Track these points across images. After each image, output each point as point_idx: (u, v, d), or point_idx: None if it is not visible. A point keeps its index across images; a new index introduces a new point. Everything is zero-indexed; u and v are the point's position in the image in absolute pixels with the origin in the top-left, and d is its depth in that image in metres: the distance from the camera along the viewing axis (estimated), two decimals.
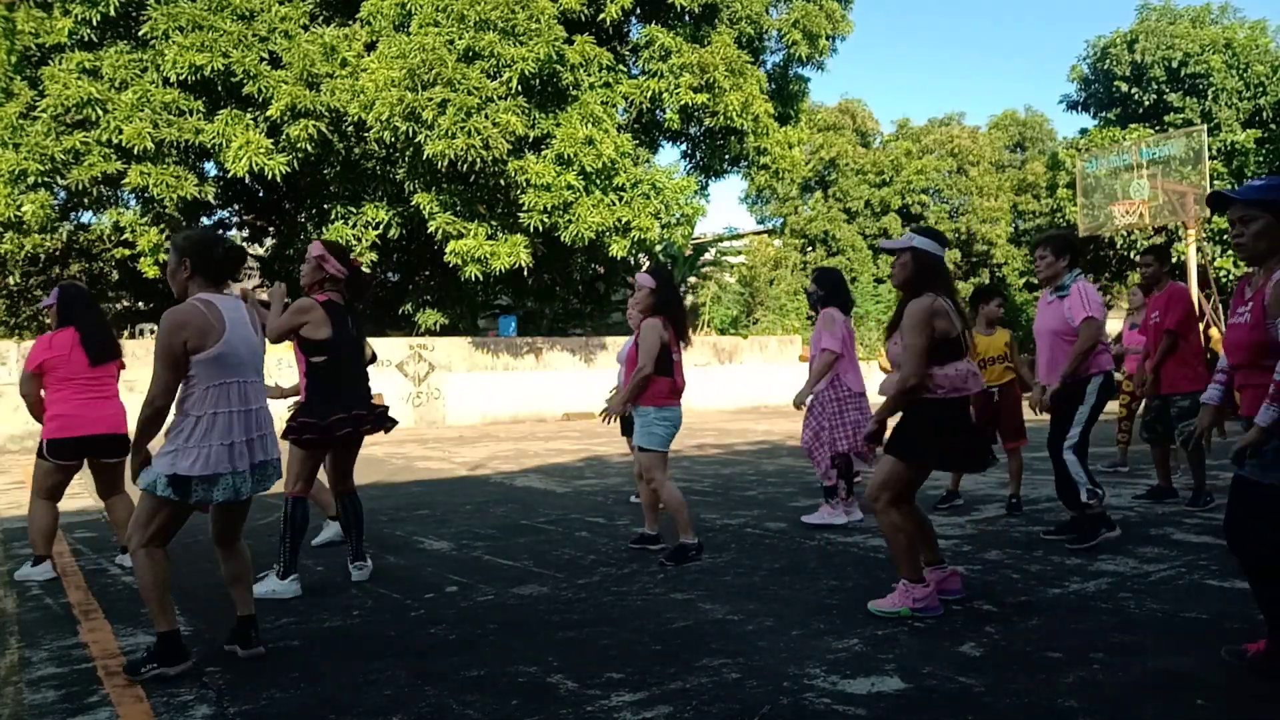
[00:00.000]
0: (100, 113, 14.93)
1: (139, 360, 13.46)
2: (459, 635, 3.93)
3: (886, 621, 3.85)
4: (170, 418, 3.45)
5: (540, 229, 16.51)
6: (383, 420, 4.94)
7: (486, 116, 15.24)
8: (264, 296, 5.13)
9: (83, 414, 5.18)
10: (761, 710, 2.96)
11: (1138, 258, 8.81)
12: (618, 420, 5.57)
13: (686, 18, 18.37)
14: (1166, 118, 25.08)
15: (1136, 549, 5.15)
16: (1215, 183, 22.84)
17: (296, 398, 5.11)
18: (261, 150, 15.26)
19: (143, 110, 15.00)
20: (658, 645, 3.68)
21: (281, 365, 15.42)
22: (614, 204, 16.49)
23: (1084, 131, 27.06)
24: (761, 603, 4.27)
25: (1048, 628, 3.73)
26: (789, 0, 19.71)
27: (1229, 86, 24.53)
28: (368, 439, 5.36)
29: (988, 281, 30.24)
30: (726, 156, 20.18)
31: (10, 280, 20.55)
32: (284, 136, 15.63)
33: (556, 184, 15.85)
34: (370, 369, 5.27)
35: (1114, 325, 14.71)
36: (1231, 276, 23.58)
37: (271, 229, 21.54)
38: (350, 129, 16.42)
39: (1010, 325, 7.24)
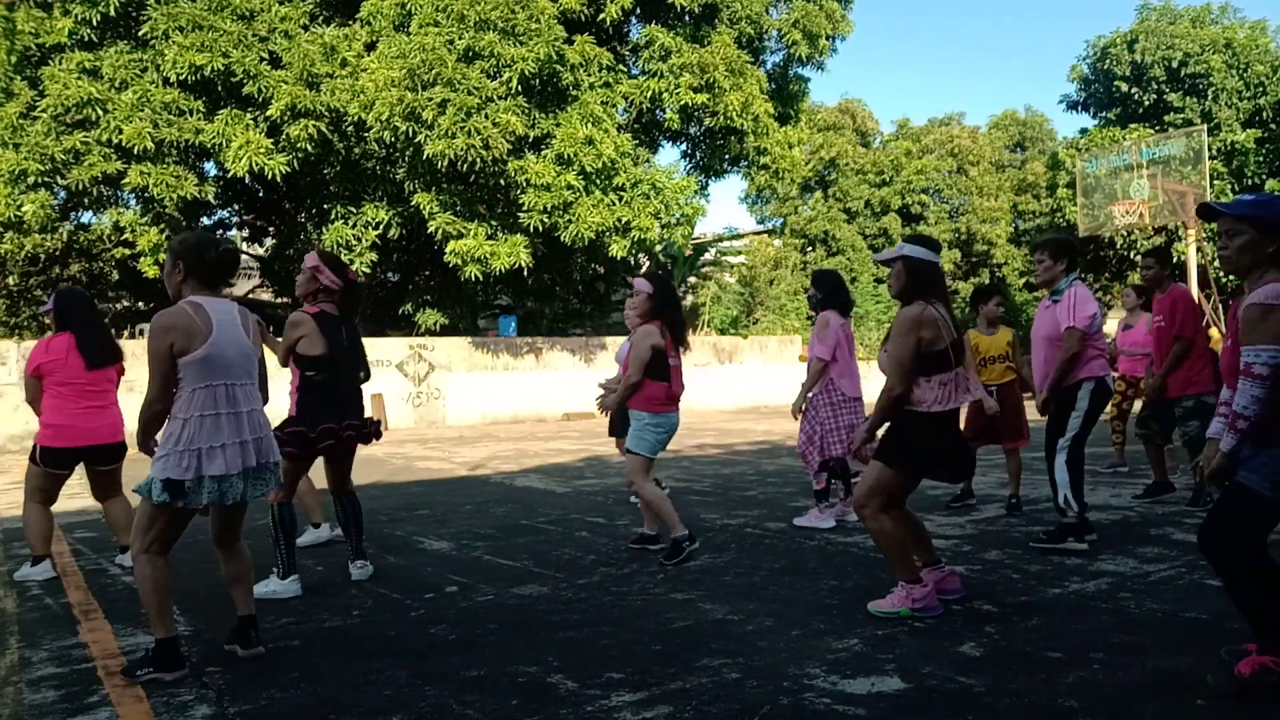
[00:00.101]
0: (100, 113, 14.93)
1: (139, 360, 13.41)
2: (459, 635, 3.93)
3: (886, 621, 3.85)
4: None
5: (540, 229, 16.51)
6: (368, 436, 4.95)
7: (486, 116, 15.24)
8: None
9: (78, 425, 5.18)
10: (761, 710, 2.96)
11: (1139, 259, 8.82)
12: (608, 421, 5.60)
13: (686, 18, 18.36)
14: (1166, 118, 25.08)
15: (1136, 549, 5.15)
16: (1215, 183, 22.85)
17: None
18: (261, 150, 15.26)
19: (143, 110, 15.00)
20: (658, 645, 3.68)
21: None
22: (614, 204, 16.49)
23: (1084, 131, 27.06)
24: (761, 603, 4.27)
25: (1048, 628, 3.73)
26: (789, 0, 19.71)
27: (1229, 86, 24.53)
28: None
29: (988, 281, 30.25)
30: (726, 156, 20.18)
31: (10, 280, 20.55)
32: (284, 136, 15.63)
33: (556, 184, 15.85)
34: (370, 369, 5.27)
35: (1112, 326, 14.69)
36: (1231, 276, 23.57)
37: (271, 229, 21.53)
38: (350, 129, 16.42)
39: (1010, 325, 7.23)
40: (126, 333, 18.95)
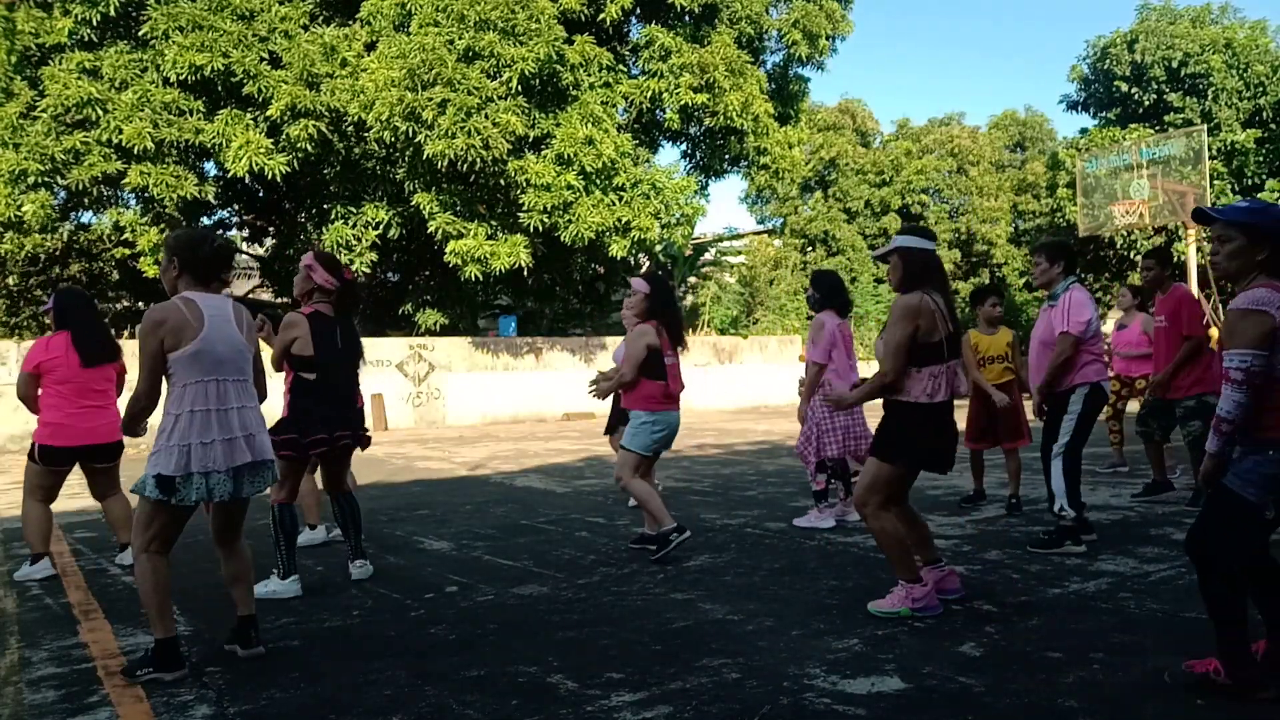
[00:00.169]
0: (100, 113, 14.94)
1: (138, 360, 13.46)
2: (459, 635, 3.93)
3: (886, 621, 3.85)
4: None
5: (540, 229, 16.51)
6: (360, 440, 4.95)
7: (486, 116, 15.24)
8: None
9: (76, 424, 5.19)
10: (761, 710, 2.96)
11: (1139, 260, 8.83)
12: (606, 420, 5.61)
13: (686, 18, 18.37)
14: (1166, 118, 25.09)
15: (1136, 549, 5.15)
16: (1215, 183, 22.87)
17: None
18: (261, 150, 15.26)
19: (143, 110, 15.01)
20: (658, 645, 3.68)
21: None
22: (614, 204, 16.49)
23: (1084, 131, 27.07)
24: (761, 603, 4.27)
25: (1048, 628, 3.73)
26: (789, 0, 19.71)
27: (1229, 86, 24.53)
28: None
29: (988, 281, 30.27)
30: (726, 156, 20.19)
31: (10, 280, 20.55)
32: (284, 136, 15.63)
33: (556, 184, 15.86)
34: (370, 369, 5.27)
35: (1109, 326, 14.69)
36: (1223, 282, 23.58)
37: (271, 229, 21.53)
38: (350, 129, 16.42)
39: (1010, 326, 7.24)
40: (126, 333, 18.95)
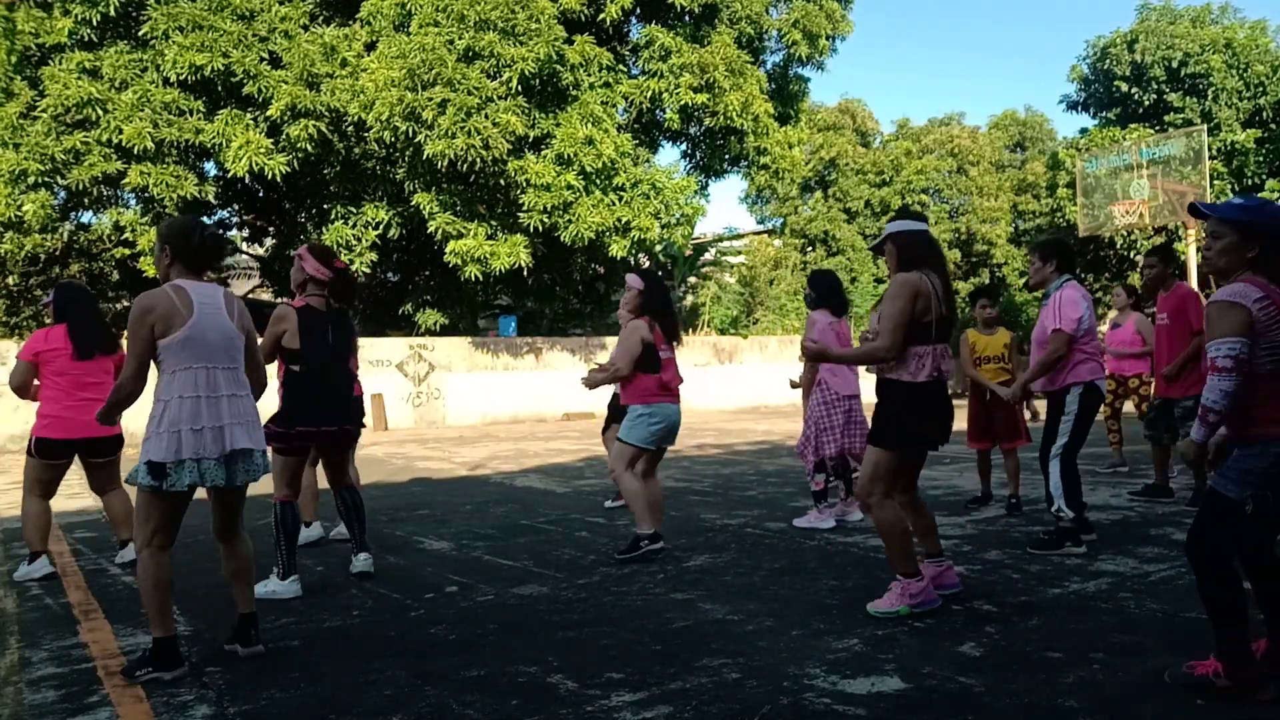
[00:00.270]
0: (100, 113, 14.94)
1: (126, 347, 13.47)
2: (459, 635, 3.93)
3: (886, 621, 3.85)
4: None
5: (540, 229, 16.51)
6: (348, 432, 4.94)
7: (486, 116, 15.24)
8: None
9: (73, 416, 5.18)
10: (761, 710, 2.96)
11: (1141, 259, 8.86)
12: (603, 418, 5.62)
13: (686, 18, 18.37)
14: (1166, 118, 25.09)
15: (1136, 549, 5.15)
16: (1215, 183, 22.87)
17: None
18: (261, 150, 15.26)
19: (143, 110, 15.01)
20: (658, 645, 3.68)
21: None
22: (614, 204, 16.49)
23: (1084, 131, 27.06)
24: (761, 603, 4.27)
25: (1048, 628, 3.73)
26: (789, 0, 19.71)
27: (1229, 86, 24.53)
28: (366, 439, 5.36)
29: (987, 281, 30.28)
30: (726, 156, 20.19)
31: (10, 280, 20.55)
32: (284, 136, 15.63)
33: (556, 184, 15.86)
34: (370, 369, 5.27)
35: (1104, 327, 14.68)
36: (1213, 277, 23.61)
37: (271, 229, 21.54)
38: (350, 129, 16.42)
39: (1010, 326, 7.26)
40: (127, 332, 18.94)
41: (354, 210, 17.49)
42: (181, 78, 15.20)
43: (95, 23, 15.52)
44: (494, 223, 17.10)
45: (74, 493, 8.76)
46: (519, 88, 15.73)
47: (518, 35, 15.70)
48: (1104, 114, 27.08)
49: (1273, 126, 24.72)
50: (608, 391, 7.15)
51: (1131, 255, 24.56)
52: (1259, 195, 23.27)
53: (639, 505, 5.27)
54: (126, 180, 15.21)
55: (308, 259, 4.79)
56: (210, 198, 17.20)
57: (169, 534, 3.48)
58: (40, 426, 5.21)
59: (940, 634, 3.69)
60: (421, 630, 4.02)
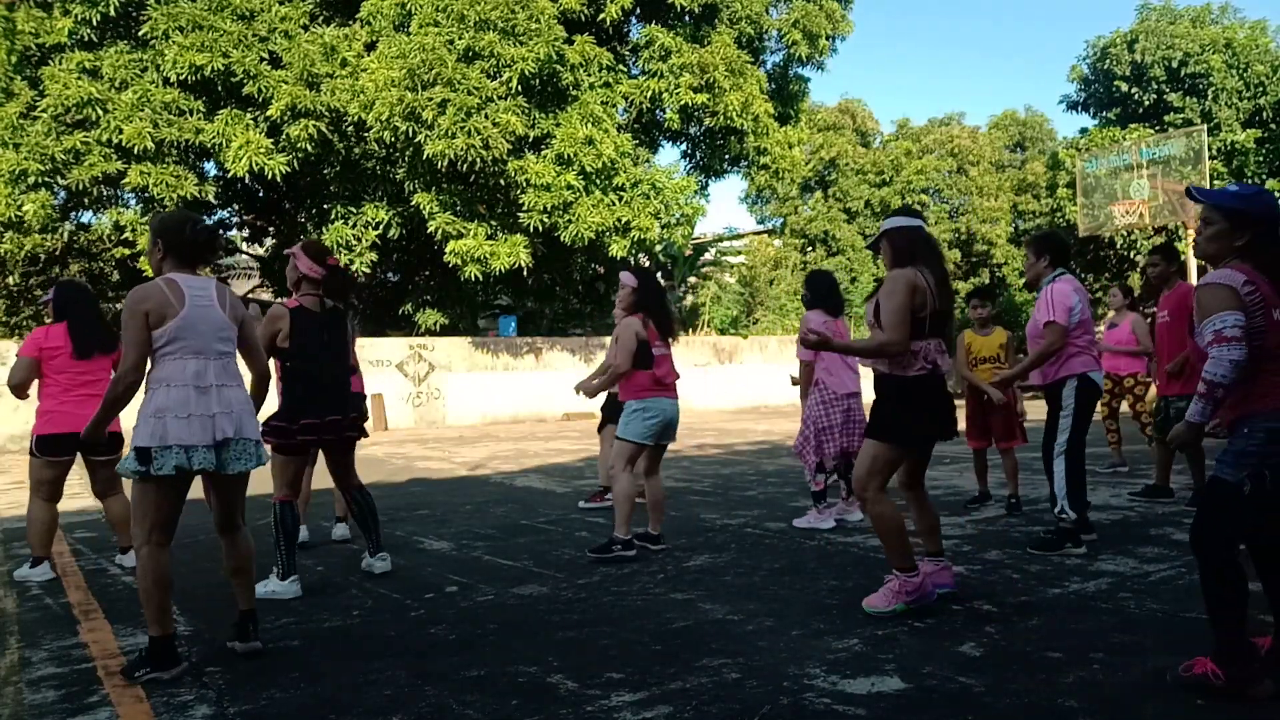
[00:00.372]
0: (100, 113, 14.94)
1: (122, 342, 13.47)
2: (459, 635, 3.93)
3: (886, 621, 3.85)
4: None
5: (540, 229, 16.51)
6: (353, 429, 4.93)
7: (486, 116, 15.24)
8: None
9: (73, 411, 5.17)
10: (761, 710, 2.96)
11: (1144, 258, 8.90)
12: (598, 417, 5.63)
13: (686, 18, 18.37)
14: (1166, 118, 25.08)
15: (1136, 549, 5.15)
16: (1215, 183, 22.84)
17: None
18: (261, 150, 15.26)
19: (143, 110, 15.01)
20: (658, 645, 3.68)
21: None
22: (614, 204, 16.49)
23: (1084, 131, 27.06)
24: (761, 603, 4.27)
25: (1048, 628, 3.73)
26: (789, 0, 19.71)
27: (1229, 86, 24.53)
28: (366, 439, 5.36)
29: (987, 281, 30.29)
30: (726, 156, 20.19)
31: (10, 280, 20.55)
32: (284, 136, 15.63)
33: (556, 184, 15.86)
34: (370, 369, 5.28)
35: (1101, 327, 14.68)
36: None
37: (271, 229, 21.54)
38: (350, 129, 16.42)
39: (1009, 326, 7.28)
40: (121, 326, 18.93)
41: (354, 210, 17.49)
42: (181, 78, 15.20)
43: (95, 23, 15.52)
44: (494, 223, 17.09)
45: (74, 493, 8.76)
46: (519, 88, 15.73)
47: (518, 35, 15.70)
48: (1104, 114, 27.07)
49: (1273, 126, 24.72)
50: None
51: (1131, 255, 24.56)
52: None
53: (624, 509, 5.28)
54: (126, 180, 15.21)
55: (301, 257, 4.79)
56: (210, 198, 17.20)
57: (166, 530, 3.48)
58: (40, 424, 5.21)
59: (940, 634, 3.69)
60: (421, 630, 4.02)
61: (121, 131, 14.80)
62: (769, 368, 23.09)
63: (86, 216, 18.57)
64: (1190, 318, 6.31)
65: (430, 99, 15.01)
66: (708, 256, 29.70)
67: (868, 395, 4.62)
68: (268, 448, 3.99)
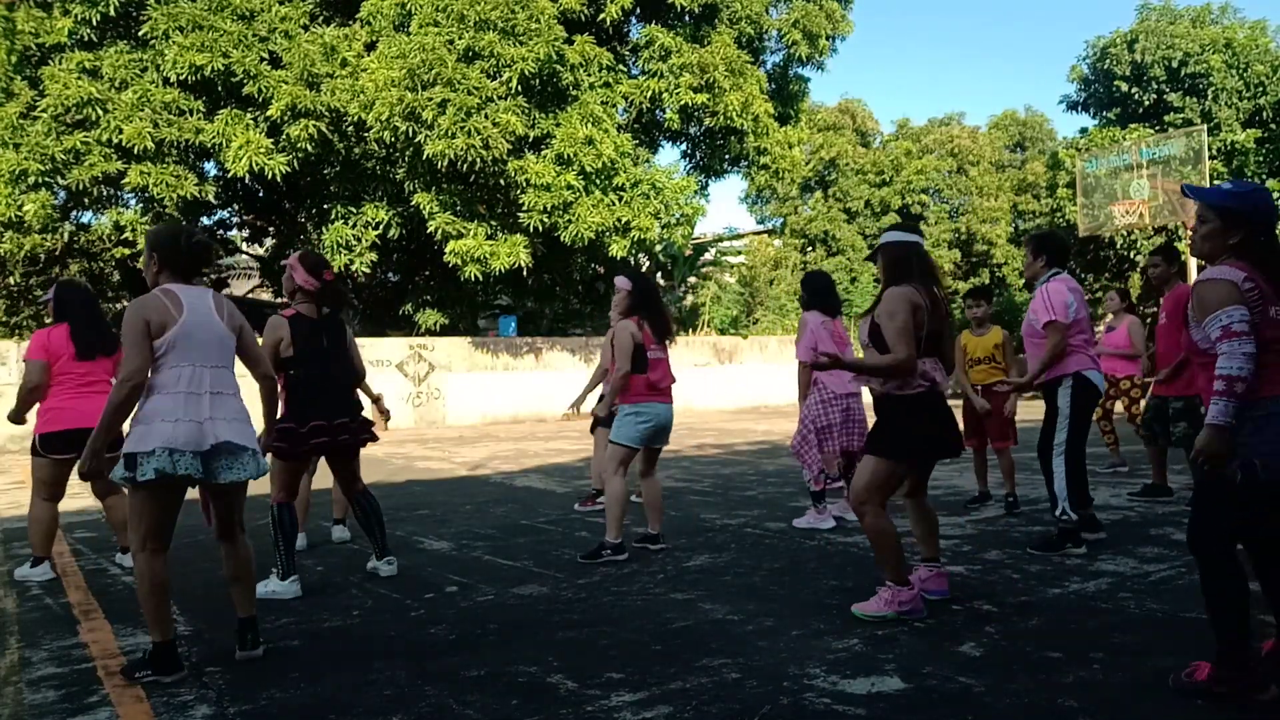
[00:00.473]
0: (100, 112, 14.93)
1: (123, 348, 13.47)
2: (459, 635, 3.93)
3: (886, 621, 3.85)
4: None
5: (540, 229, 16.51)
6: (362, 437, 4.94)
7: (486, 116, 15.24)
8: None
9: (74, 407, 5.16)
10: (761, 710, 2.96)
11: (1144, 259, 8.93)
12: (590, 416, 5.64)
13: (686, 18, 18.36)
14: (1166, 118, 25.07)
15: (1136, 549, 5.15)
16: (1215, 182, 22.82)
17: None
18: (261, 150, 15.26)
19: (143, 110, 15.00)
20: (658, 645, 3.68)
21: None
22: (614, 204, 16.48)
23: (1084, 131, 27.05)
24: (761, 603, 4.27)
25: (1048, 628, 3.73)
26: (789, 0, 19.71)
27: (1229, 86, 24.52)
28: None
29: (987, 281, 30.29)
30: (726, 156, 20.18)
31: (10, 280, 20.54)
32: (284, 136, 15.63)
33: (556, 184, 15.85)
34: (370, 369, 5.28)
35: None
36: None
37: (271, 229, 21.54)
38: (350, 129, 16.42)
39: (1010, 326, 7.31)
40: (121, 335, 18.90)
41: (354, 210, 17.48)
42: (181, 78, 15.19)
43: (95, 23, 15.51)
44: (494, 223, 17.09)
45: (74, 493, 8.75)
46: (519, 88, 15.73)
47: (518, 35, 15.70)
48: (1104, 114, 27.06)
49: (1273, 126, 24.71)
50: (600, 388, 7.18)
51: (1131, 255, 24.54)
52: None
53: (615, 511, 5.28)
54: (126, 180, 15.20)
55: (298, 269, 4.83)
56: (210, 198, 17.20)
57: (162, 536, 3.47)
58: (42, 423, 5.20)
59: (940, 634, 3.69)
60: (421, 630, 4.03)
61: (121, 131, 14.79)
62: (769, 368, 23.09)
63: (86, 216, 18.57)
64: (1183, 318, 6.32)
65: (430, 99, 15.01)
66: (708, 256, 29.67)
67: (867, 395, 4.63)
68: (269, 456, 3.98)
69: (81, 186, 15.26)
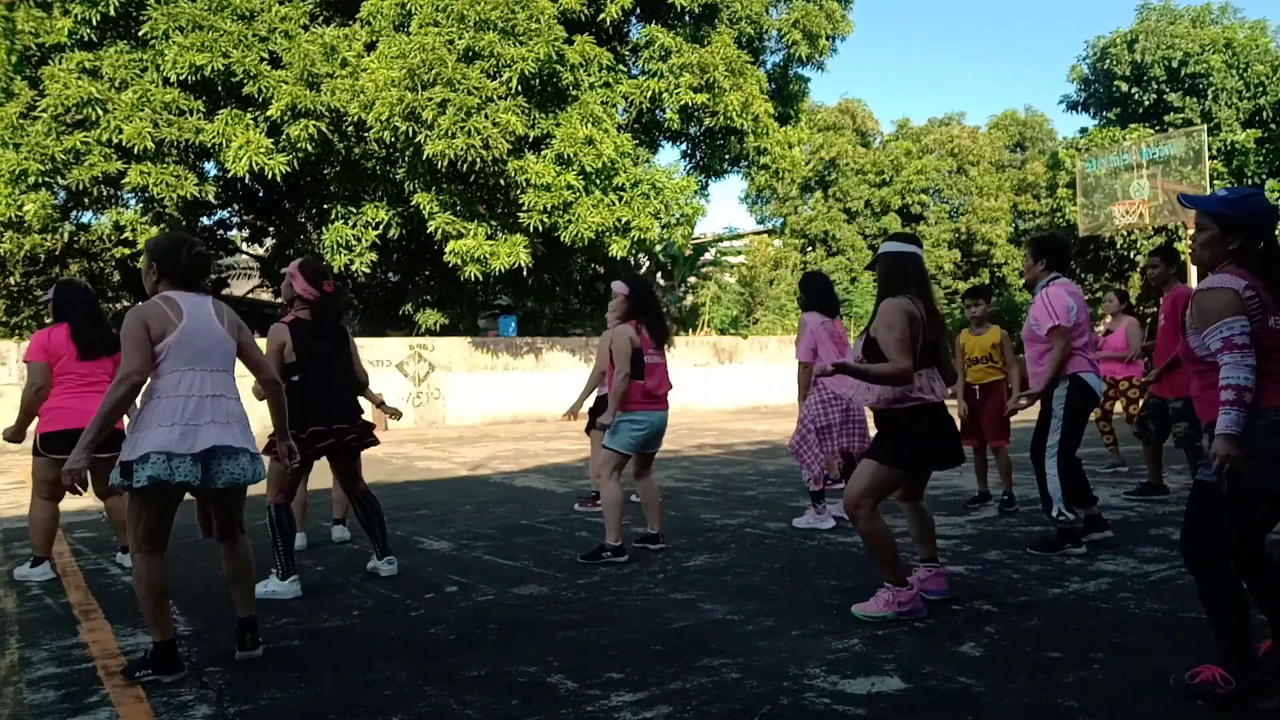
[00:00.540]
0: (100, 112, 14.93)
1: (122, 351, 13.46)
2: (459, 635, 3.93)
3: (886, 621, 3.85)
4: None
5: (540, 229, 16.51)
6: (363, 440, 4.94)
7: (486, 116, 15.23)
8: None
9: (75, 406, 5.16)
10: (761, 710, 2.96)
11: (1143, 259, 8.96)
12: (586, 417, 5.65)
13: (686, 18, 18.36)
14: (1166, 118, 25.07)
15: (1136, 549, 5.15)
16: (1215, 183, 22.85)
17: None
18: (261, 150, 15.25)
19: (143, 110, 15.00)
20: (658, 645, 3.68)
21: None
22: (614, 204, 16.48)
23: (1084, 131, 27.05)
24: (761, 603, 4.27)
25: (1048, 628, 3.73)
26: (789, 0, 19.70)
27: (1229, 86, 24.52)
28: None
29: (987, 281, 30.30)
30: (726, 156, 20.17)
31: (10, 280, 20.54)
32: (284, 136, 15.62)
33: (556, 184, 15.85)
34: (370, 370, 5.29)
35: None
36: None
37: (271, 229, 21.54)
38: (350, 129, 16.41)
39: (1009, 326, 7.32)
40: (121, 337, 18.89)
41: (354, 210, 17.48)
42: (181, 78, 15.19)
43: (95, 23, 15.51)
44: (494, 223, 17.09)
45: None
46: (519, 88, 15.72)
47: (518, 35, 15.69)
48: (1104, 114, 27.06)
49: (1273, 126, 24.71)
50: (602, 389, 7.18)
51: (1132, 255, 24.54)
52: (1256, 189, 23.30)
53: (613, 515, 5.28)
54: (126, 180, 15.20)
55: (297, 279, 4.85)
56: (210, 198, 17.19)
57: (159, 538, 3.47)
58: (44, 423, 5.20)
59: (940, 634, 3.70)
60: (421, 630, 4.03)
61: (121, 131, 14.78)
62: (769, 368, 23.09)
63: (86, 216, 18.56)
64: (1180, 321, 6.32)
65: (430, 99, 15.00)
66: (708, 256, 29.66)
67: None
68: (266, 460, 3.98)
69: (81, 186, 15.26)
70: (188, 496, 3.55)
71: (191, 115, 15.53)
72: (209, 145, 15.58)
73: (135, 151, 14.94)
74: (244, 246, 22.76)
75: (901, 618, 3.87)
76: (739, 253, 30.91)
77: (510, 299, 22.64)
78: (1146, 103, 25.63)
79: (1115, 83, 26.04)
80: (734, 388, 22.42)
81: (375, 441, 5.07)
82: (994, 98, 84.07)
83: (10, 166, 14.79)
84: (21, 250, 16.61)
